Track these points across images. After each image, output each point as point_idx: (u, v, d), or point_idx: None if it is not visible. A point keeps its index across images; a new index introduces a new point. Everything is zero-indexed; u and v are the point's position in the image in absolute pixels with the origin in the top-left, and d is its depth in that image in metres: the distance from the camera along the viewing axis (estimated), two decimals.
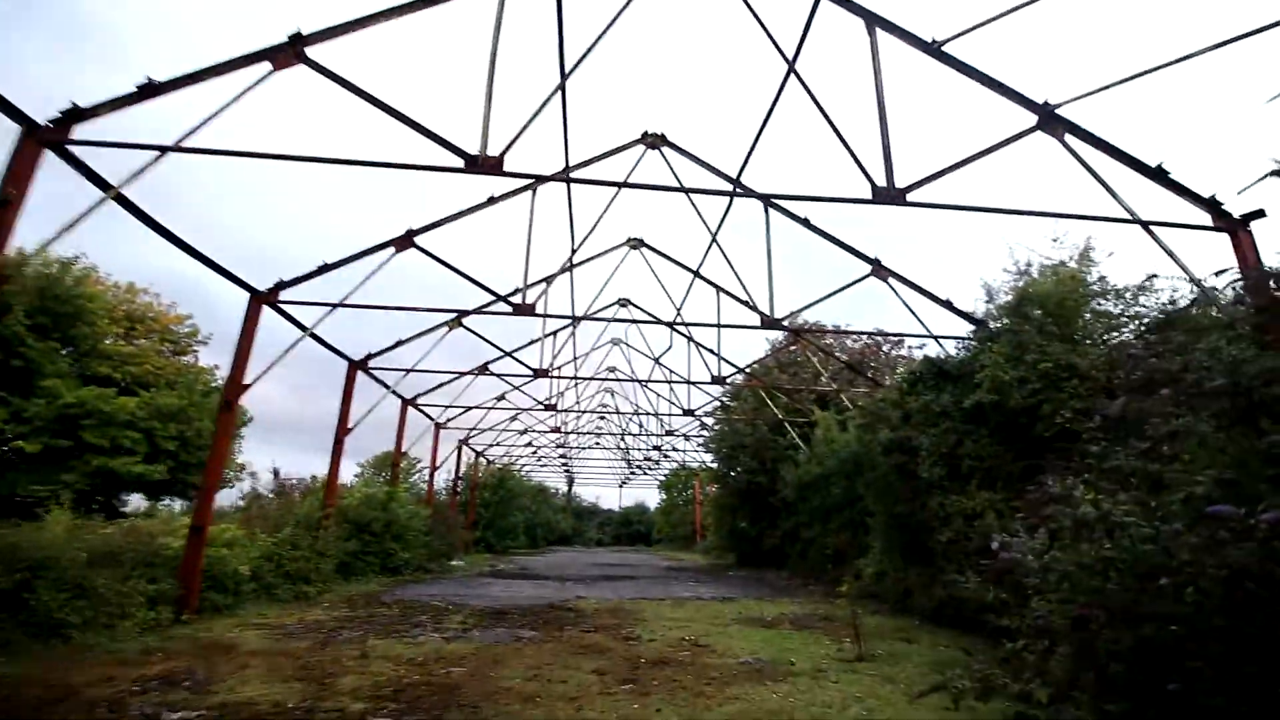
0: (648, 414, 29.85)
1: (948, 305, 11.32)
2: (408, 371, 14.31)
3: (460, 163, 6.28)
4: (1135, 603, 2.80)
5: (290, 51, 6.52)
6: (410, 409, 18.69)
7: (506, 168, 6.26)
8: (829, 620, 9.95)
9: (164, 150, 6.14)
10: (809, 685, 5.79)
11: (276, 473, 19.51)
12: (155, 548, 8.62)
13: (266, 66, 6.32)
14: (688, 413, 18.92)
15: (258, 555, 10.77)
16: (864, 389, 16.62)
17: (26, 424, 21.99)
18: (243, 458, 29.54)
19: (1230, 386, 3.21)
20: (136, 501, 26.59)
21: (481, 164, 6.18)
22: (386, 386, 14.85)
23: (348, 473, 25.52)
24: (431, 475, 22.05)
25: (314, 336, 11.19)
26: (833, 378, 18.45)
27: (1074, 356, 8.07)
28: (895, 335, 20.94)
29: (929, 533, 9.70)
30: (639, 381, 21.63)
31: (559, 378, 19.54)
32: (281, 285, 10.02)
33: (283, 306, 10.58)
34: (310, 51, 6.61)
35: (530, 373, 17.47)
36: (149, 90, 6.24)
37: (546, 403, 23.46)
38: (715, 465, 24.35)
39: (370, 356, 13.80)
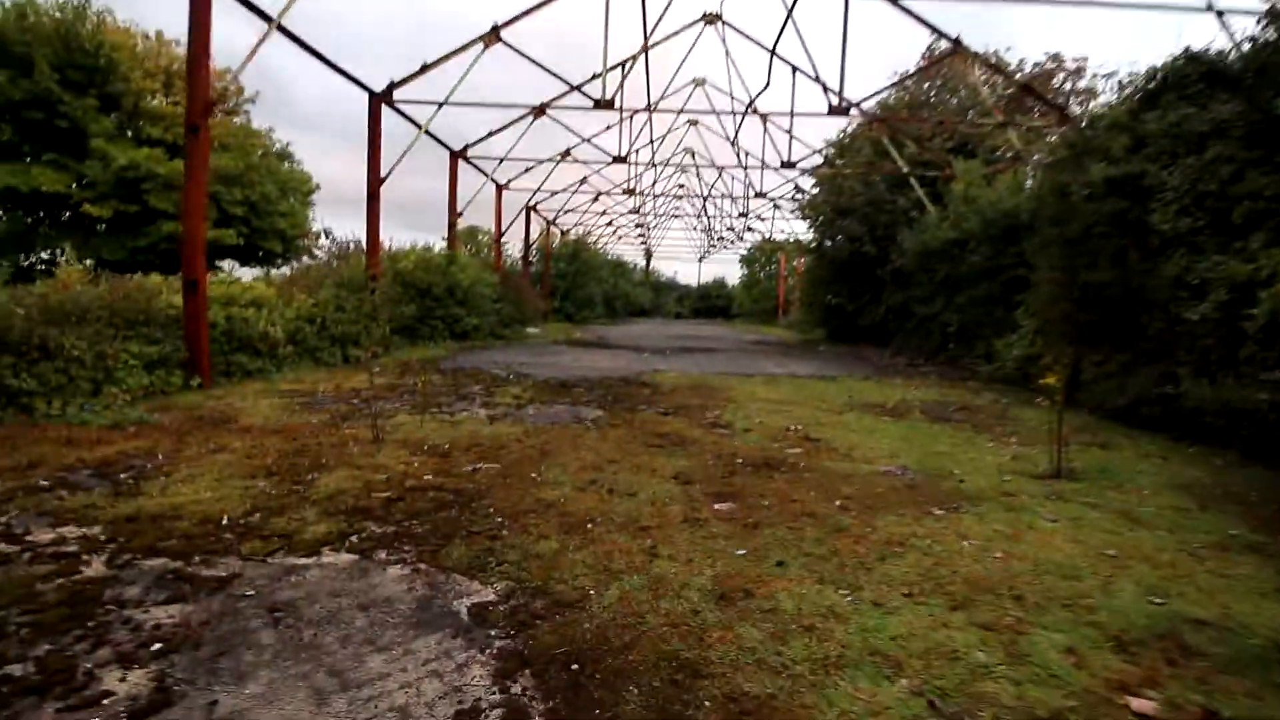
0: (724, 196, 26.39)
1: None
2: (468, 137, 11.53)
3: None
4: None
5: None
6: (463, 164, 16.23)
7: None
8: (970, 411, 7.85)
9: None
10: (1009, 522, 3.75)
11: (327, 233, 18.36)
12: (152, 308, 7.24)
13: None
14: (786, 165, 15.47)
15: (294, 317, 9.52)
16: (1039, 123, 12.50)
17: (90, 189, 21.42)
18: (318, 227, 28.95)
19: None
20: (230, 268, 26.93)
21: None
22: (433, 137, 12.25)
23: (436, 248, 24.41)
24: (497, 242, 20.35)
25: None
26: (987, 114, 14.11)
27: None
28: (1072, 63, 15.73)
29: (1149, 309, 6.94)
30: (715, 167, 18.72)
31: (637, 164, 17.55)
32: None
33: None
34: None
35: (609, 158, 15.84)
36: None
37: (626, 186, 20.95)
38: (811, 234, 21.21)
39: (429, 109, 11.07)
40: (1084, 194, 7.51)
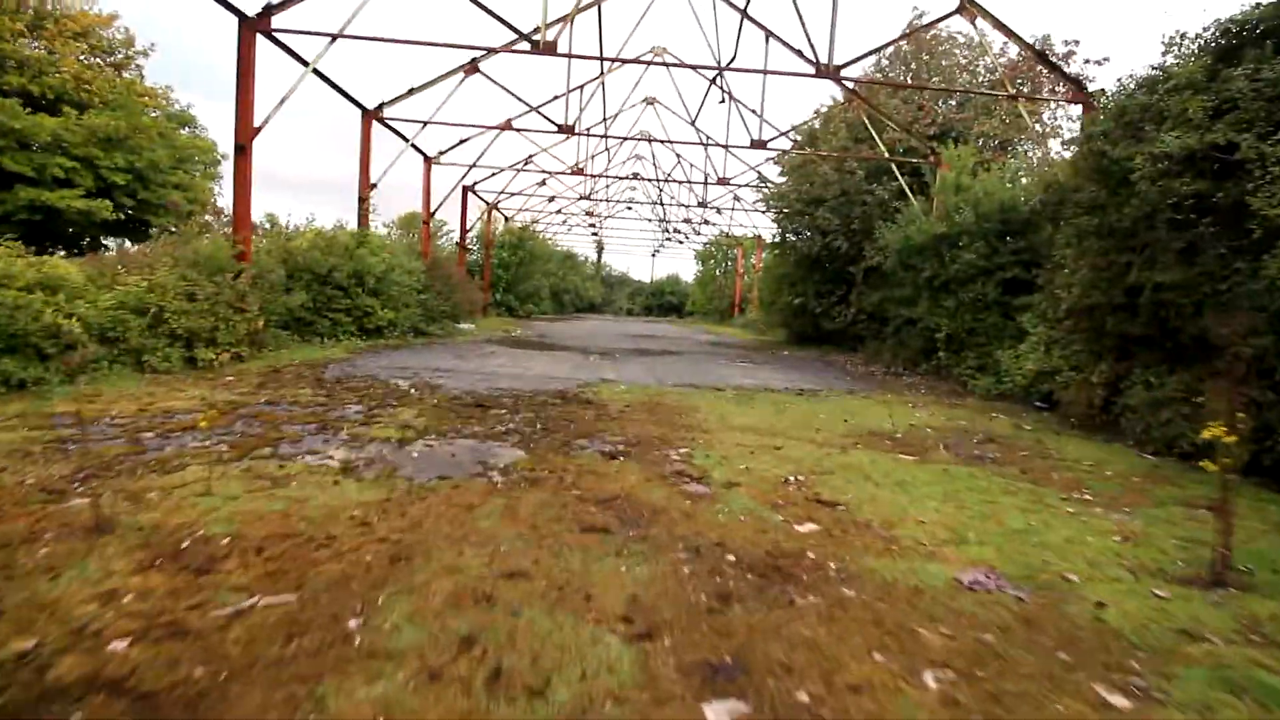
0: (682, 182, 24.65)
1: None
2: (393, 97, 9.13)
3: None
4: None
5: None
6: (386, 131, 13.76)
7: None
8: (1001, 446, 6.15)
9: None
10: None
11: (204, 205, 15.55)
12: None
13: None
14: (756, 144, 13.69)
15: (112, 306, 7.06)
16: (1049, 96, 11.05)
17: None
18: (222, 201, 25.46)
19: None
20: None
21: None
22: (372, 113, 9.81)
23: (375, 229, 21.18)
24: (426, 223, 17.86)
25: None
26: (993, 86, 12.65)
27: None
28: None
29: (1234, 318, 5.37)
30: (673, 143, 16.88)
31: (588, 135, 15.61)
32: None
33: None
34: None
35: (555, 128, 14.88)
36: None
37: (575, 168, 18.88)
38: (776, 227, 19.58)
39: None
40: (1151, 170, 5.90)
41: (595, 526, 3.33)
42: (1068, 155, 10.74)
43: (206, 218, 23.43)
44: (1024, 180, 11.98)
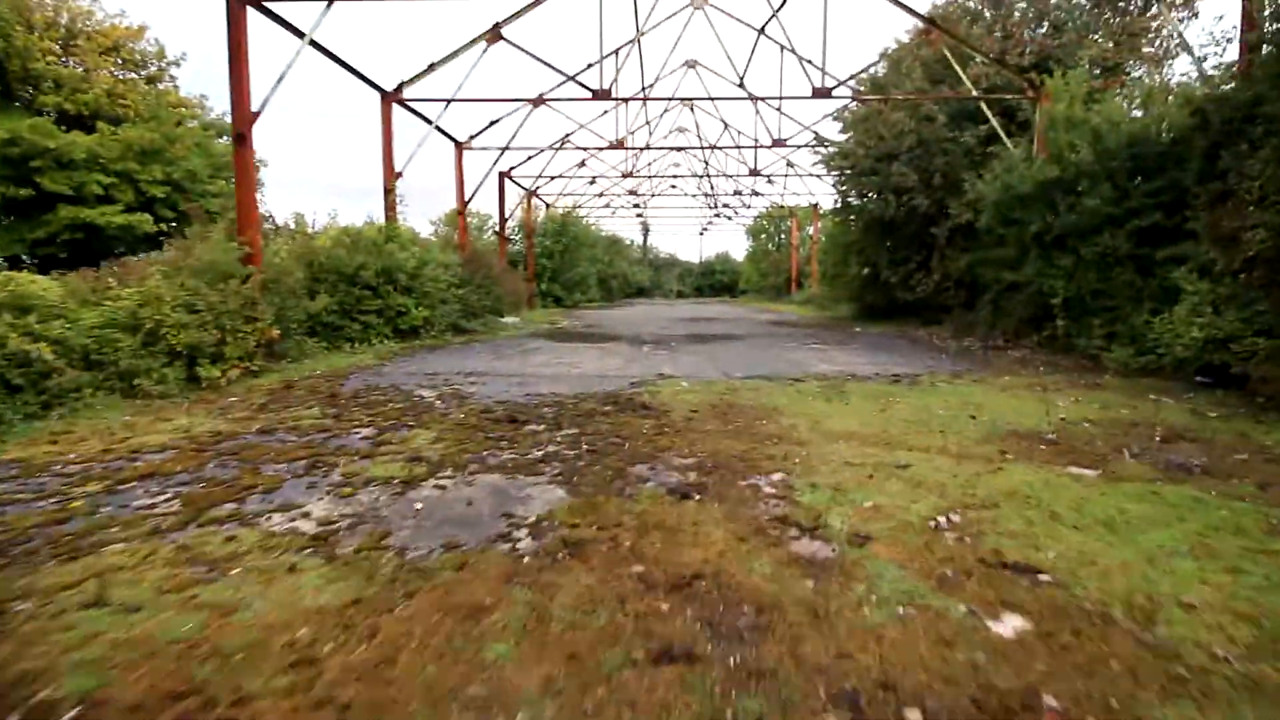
0: (730, 148, 22.78)
1: None
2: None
3: None
4: None
5: None
6: (397, 109, 12.72)
7: None
8: (1197, 443, 4.55)
9: None
10: None
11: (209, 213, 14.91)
12: None
13: None
14: (820, 93, 11.91)
15: (100, 324, 6.21)
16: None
17: None
18: (264, 209, 25.30)
19: None
20: None
21: None
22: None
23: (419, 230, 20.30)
24: (460, 214, 16.87)
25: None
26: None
27: None
28: None
29: None
30: (718, 99, 15.25)
31: (626, 102, 15.33)
32: None
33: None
34: None
35: (590, 95, 13.24)
36: None
37: (616, 141, 17.52)
38: (840, 190, 17.69)
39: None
40: None
41: (671, 650, 2.06)
42: (1215, 70, 8.74)
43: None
44: (1152, 107, 9.95)
